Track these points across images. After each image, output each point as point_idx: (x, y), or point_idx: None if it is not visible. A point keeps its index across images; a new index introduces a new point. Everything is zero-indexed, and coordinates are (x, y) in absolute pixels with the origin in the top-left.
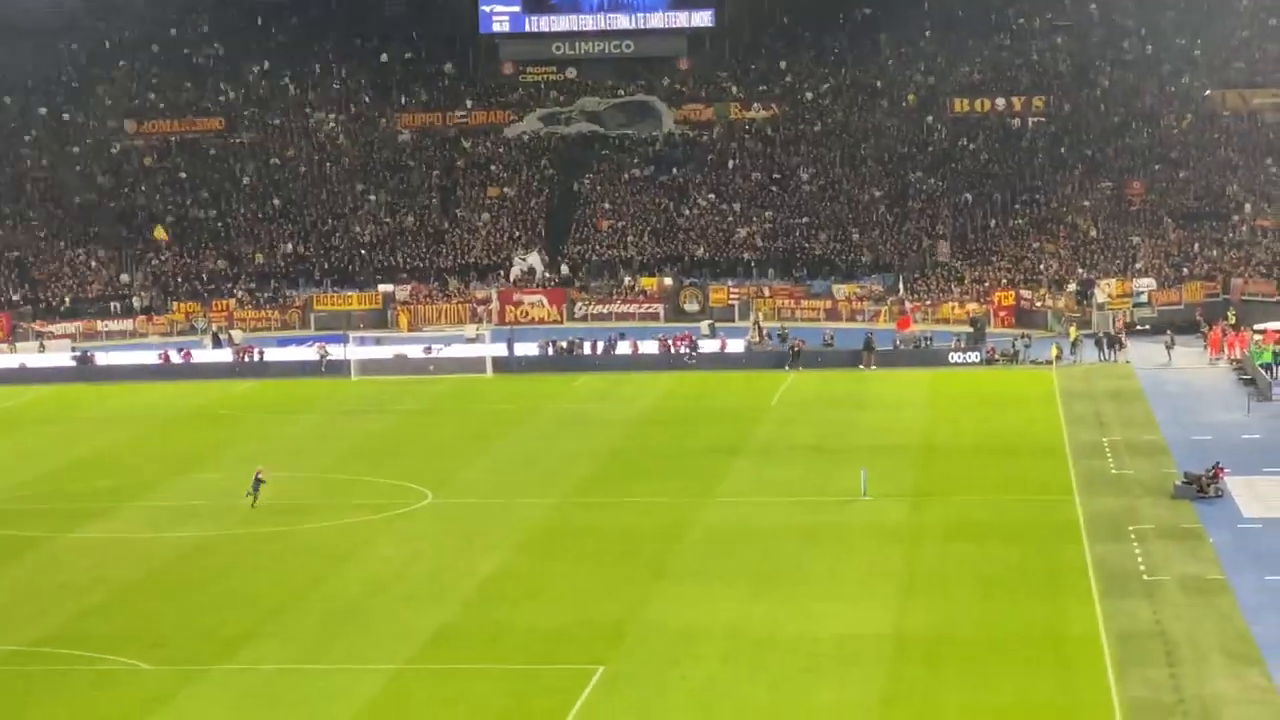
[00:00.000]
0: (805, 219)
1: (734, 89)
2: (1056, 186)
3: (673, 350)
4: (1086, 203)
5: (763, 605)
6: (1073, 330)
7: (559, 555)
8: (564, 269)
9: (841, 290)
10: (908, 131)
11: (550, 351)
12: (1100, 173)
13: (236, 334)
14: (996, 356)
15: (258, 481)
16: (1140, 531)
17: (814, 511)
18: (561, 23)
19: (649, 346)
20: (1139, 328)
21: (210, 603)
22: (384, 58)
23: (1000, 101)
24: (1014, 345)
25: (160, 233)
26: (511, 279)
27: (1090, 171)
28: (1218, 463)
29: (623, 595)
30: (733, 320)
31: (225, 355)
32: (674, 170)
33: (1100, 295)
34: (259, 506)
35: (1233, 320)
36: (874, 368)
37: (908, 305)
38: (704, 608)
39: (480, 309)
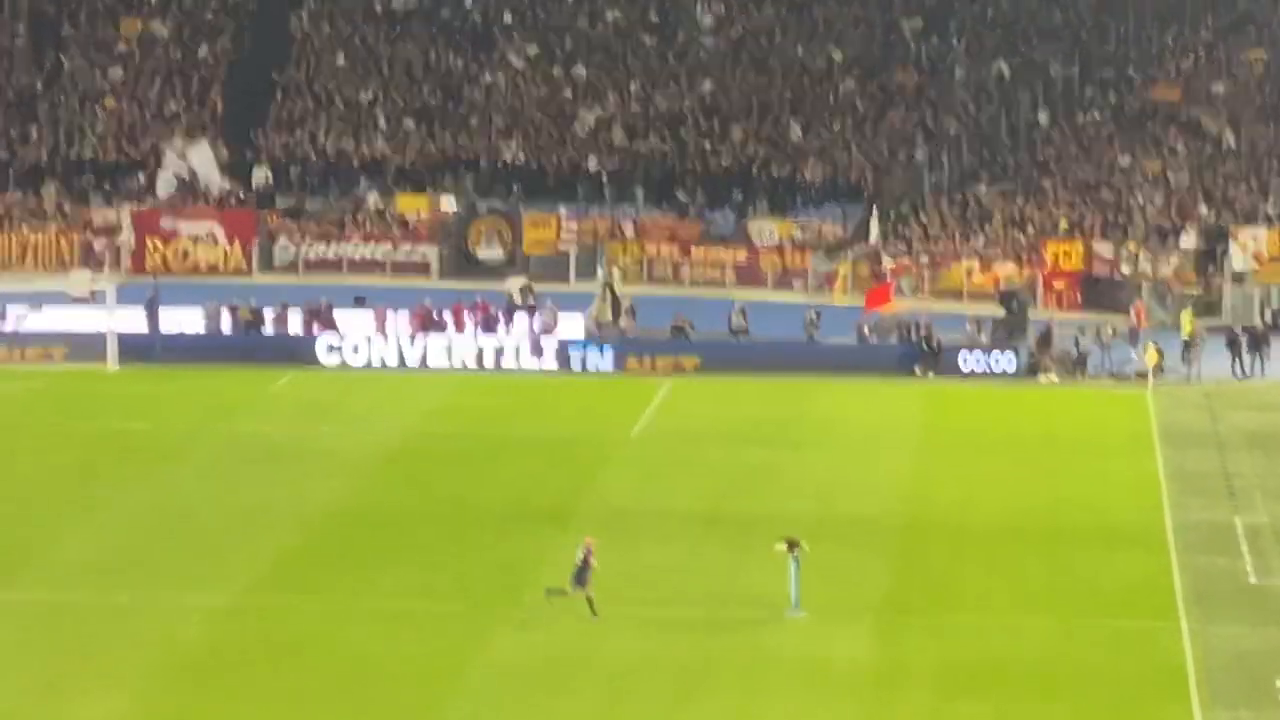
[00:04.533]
0: (704, 100)
1: None
2: (1166, 56)
3: (454, 329)
4: (1219, 87)
5: None
6: (1186, 319)
7: (231, 700)
8: (261, 174)
9: (766, 231)
10: None
11: (227, 326)
12: (1246, 33)
13: None
14: (1047, 363)
15: (585, 565)
16: None
17: (701, 635)
18: None
19: (404, 321)
20: None
21: None
22: None
23: None
24: (1078, 343)
25: None
26: (159, 191)
27: (1230, 30)
28: None
29: None
30: (566, 280)
31: None
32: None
33: (1239, 256)
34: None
35: None
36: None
37: (886, 264)
38: None
39: (100, 244)
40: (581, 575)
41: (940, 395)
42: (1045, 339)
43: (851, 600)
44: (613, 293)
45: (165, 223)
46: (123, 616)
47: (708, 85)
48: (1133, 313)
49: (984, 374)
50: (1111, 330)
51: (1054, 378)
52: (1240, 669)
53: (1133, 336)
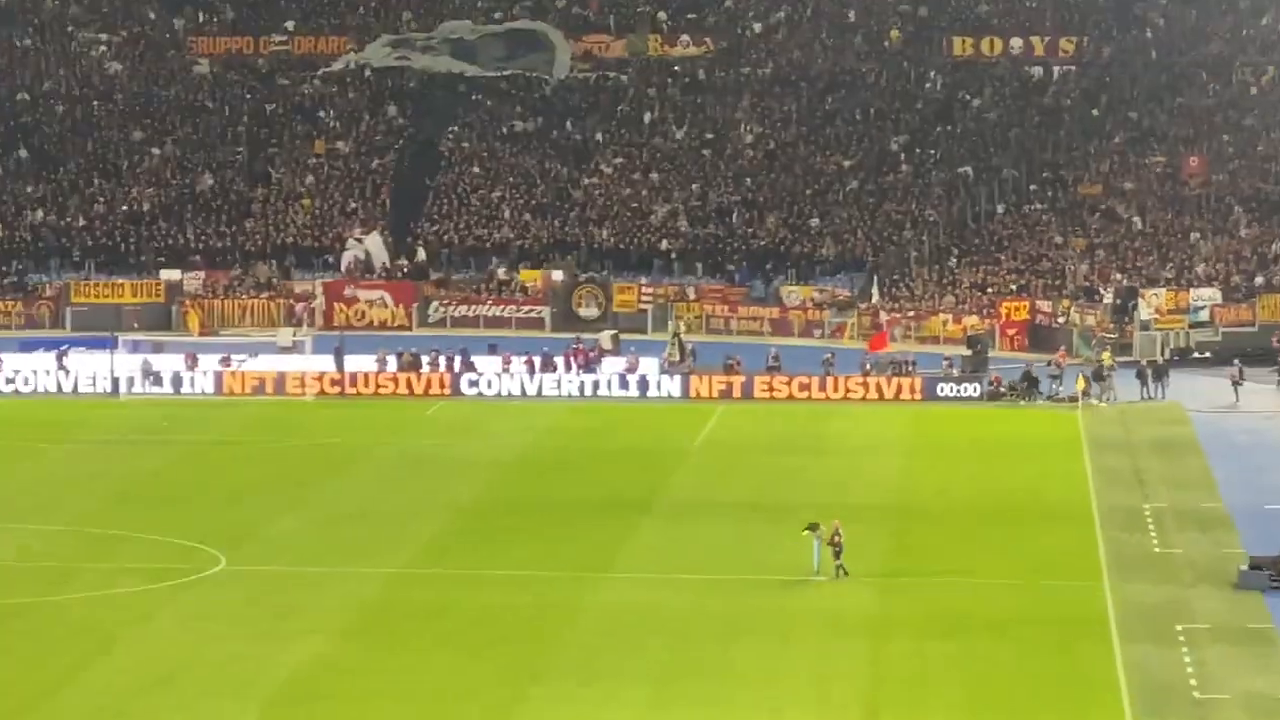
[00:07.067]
0: (746, 196)
1: (655, 16)
2: (1089, 161)
3: (562, 370)
4: (1129, 184)
5: (673, 713)
6: (1106, 356)
7: (399, 644)
8: (419, 254)
9: (793, 294)
10: (889, 80)
11: (393, 367)
12: (1149, 144)
13: None
14: (1003, 390)
15: (836, 541)
16: (1191, 632)
17: (746, 593)
18: None
19: (521, 365)
20: (1196, 355)
21: None
22: None
23: (1016, 43)
24: (1024, 378)
25: None
26: (344, 267)
27: (1136, 142)
28: None
29: (485, 699)
30: (645, 331)
31: None
32: (570, 125)
33: (1145, 310)
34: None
35: None
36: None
37: (883, 317)
38: (594, 716)
39: (300, 307)
40: (838, 550)
41: (922, 416)
42: (1098, 374)
43: (858, 566)
44: (680, 340)
45: (347, 291)
46: (318, 582)
47: (749, 185)
48: (1057, 355)
49: (954, 399)
50: (1058, 365)
51: (1098, 402)
52: (1148, 617)
53: (1059, 371)
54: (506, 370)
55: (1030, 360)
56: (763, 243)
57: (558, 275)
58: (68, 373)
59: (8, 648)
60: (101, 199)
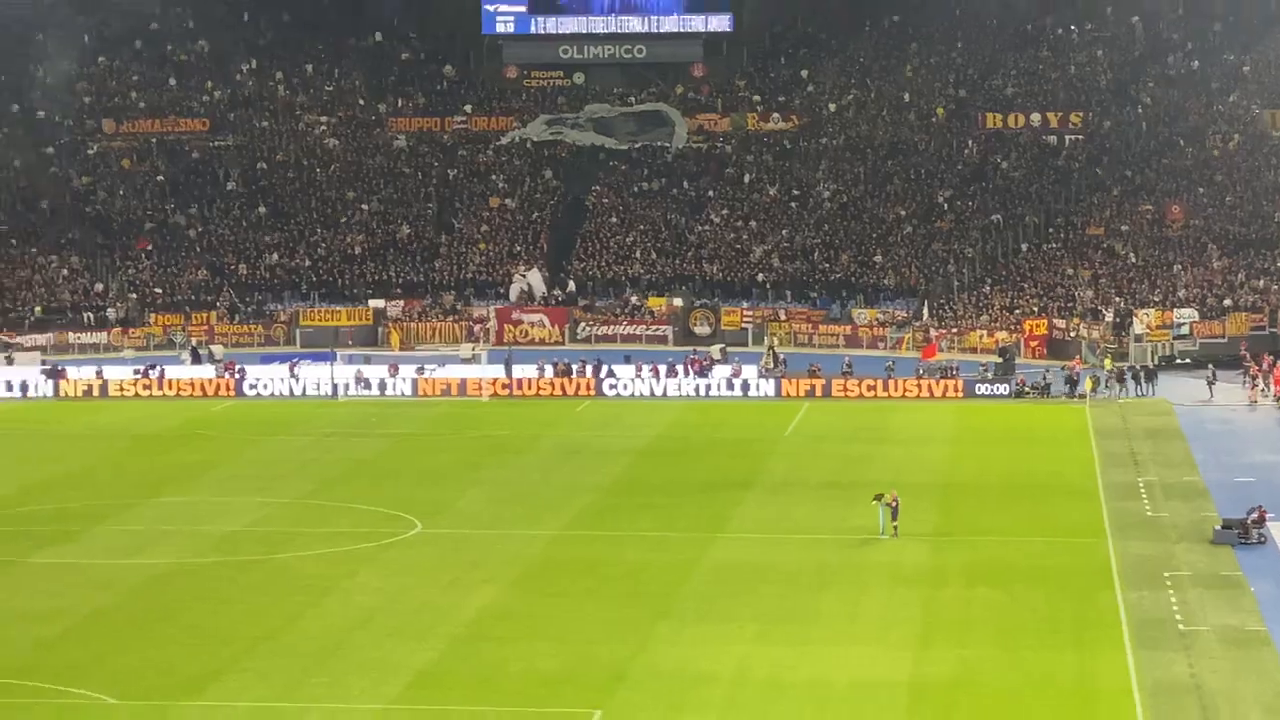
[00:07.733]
0: (825, 238)
1: (752, 98)
2: (1093, 209)
3: (681, 375)
4: (1125, 227)
5: (772, 648)
6: (1108, 362)
7: (556, 592)
8: (570, 286)
9: (862, 315)
10: (936, 147)
11: (550, 374)
12: (1140, 195)
13: (217, 349)
14: (1026, 389)
15: (895, 507)
16: (1177, 578)
17: (828, 550)
18: (569, 24)
19: (650, 372)
20: (1179, 361)
21: (180, 634)
22: (380, 58)
23: (1035, 117)
24: (1044, 377)
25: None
26: (511, 296)
27: (1130, 194)
28: (1261, 506)
29: (623, 635)
30: (746, 345)
31: (204, 371)
32: (686, 184)
33: (1138, 326)
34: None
35: None
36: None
37: (932, 333)
38: (709, 650)
39: (477, 328)
40: (895, 513)
41: (963, 411)
42: (1120, 375)
43: (914, 529)
44: (774, 352)
45: (515, 315)
46: (492, 542)
47: (827, 230)
48: (1073, 363)
49: (989, 396)
50: (1074, 370)
51: (1112, 396)
52: (1142, 567)
53: (1074, 374)
54: (638, 376)
55: (1047, 365)
56: (838, 275)
57: (678, 301)
58: (297, 380)
59: (240, 597)
60: (323, 244)
